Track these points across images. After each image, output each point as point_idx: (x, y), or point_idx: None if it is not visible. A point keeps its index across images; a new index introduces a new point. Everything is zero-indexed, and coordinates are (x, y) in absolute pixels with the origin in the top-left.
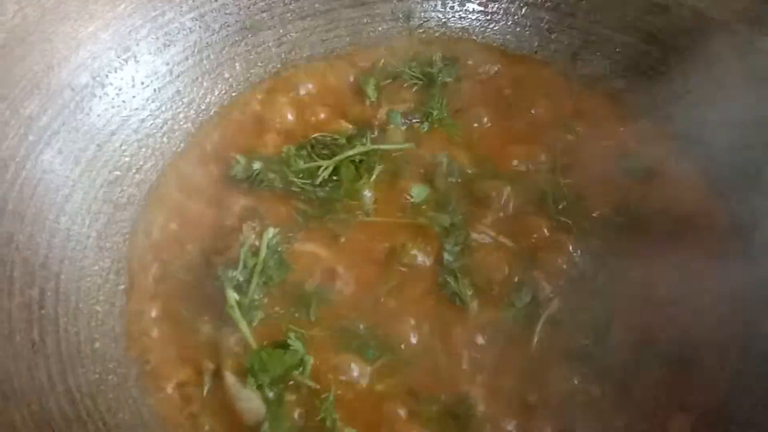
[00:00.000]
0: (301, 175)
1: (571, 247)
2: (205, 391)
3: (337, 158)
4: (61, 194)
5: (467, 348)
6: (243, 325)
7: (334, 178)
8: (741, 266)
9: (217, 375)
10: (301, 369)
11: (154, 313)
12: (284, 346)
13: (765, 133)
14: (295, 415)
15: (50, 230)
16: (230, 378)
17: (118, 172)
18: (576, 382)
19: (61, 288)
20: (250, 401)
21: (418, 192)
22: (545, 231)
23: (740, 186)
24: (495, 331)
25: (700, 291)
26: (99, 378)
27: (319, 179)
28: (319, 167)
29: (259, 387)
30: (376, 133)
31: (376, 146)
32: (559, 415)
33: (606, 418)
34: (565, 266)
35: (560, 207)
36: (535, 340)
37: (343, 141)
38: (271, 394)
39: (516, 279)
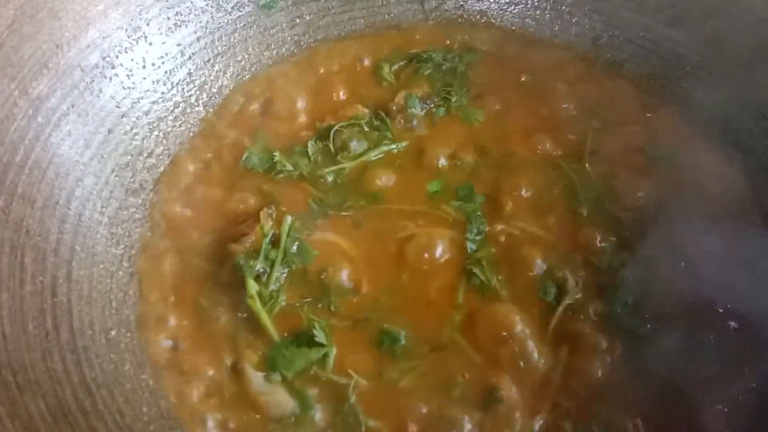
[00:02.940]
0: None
1: (599, 237)
2: (224, 383)
3: (362, 158)
4: (72, 178)
5: (496, 340)
6: (264, 317)
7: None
8: None
9: (237, 367)
10: (323, 363)
11: (169, 302)
12: (307, 338)
13: None
14: (318, 407)
15: (61, 215)
16: (250, 371)
17: (129, 156)
18: (603, 375)
19: (74, 276)
20: (275, 394)
21: (437, 182)
22: (573, 220)
23: None
24: (525, 322)
25: (735, 284)
26: (115, 368)
27: (344, 178)
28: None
29: (283, 380)
30: (400, 121)
31: (400, 143)
32: (584, 412)
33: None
34: (594, 257)
35: (588, 196)
36: (552, 327)
37: (364, 128)
38: (295, 387)
39: (543, 268)
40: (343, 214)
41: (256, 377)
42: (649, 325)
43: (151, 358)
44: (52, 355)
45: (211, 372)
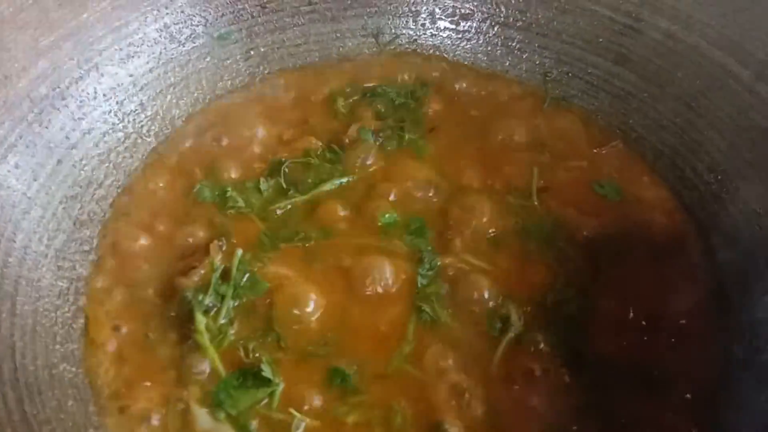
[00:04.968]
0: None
1: (546, 273)
2: (170, 419)
3: (313, 192)
4: (18, 210)
5: (443, 374)
6: (211, 352)
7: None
8: (711, 288)
9: (183, 403)
10: (270, 400)
11: (115, 337)
12: (254, 374)
13: (738, 154)
14: None
15: (5, 248)
16: (195, 408)
17: (78, 188)
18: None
19: (17, 310)
20: None
21: (388, 216)
22: (522, 255)
23: (713, 208)
24: (471, 357)
25: (674, 313)
26: (58, 405)
27: (296, 211)
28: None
29: (227, 417)
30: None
31: (350, 177)
32: None
33: None
34: (541, 290)
35: (537, 231)
36: (496, 361)
37: (315, 161)
38: (239, 423)
39: (491, 303)
40: (294, 246)
41: (201, 414)
42: (592, 361)
43: (96, 393)
44: None
45: (156, 408)
